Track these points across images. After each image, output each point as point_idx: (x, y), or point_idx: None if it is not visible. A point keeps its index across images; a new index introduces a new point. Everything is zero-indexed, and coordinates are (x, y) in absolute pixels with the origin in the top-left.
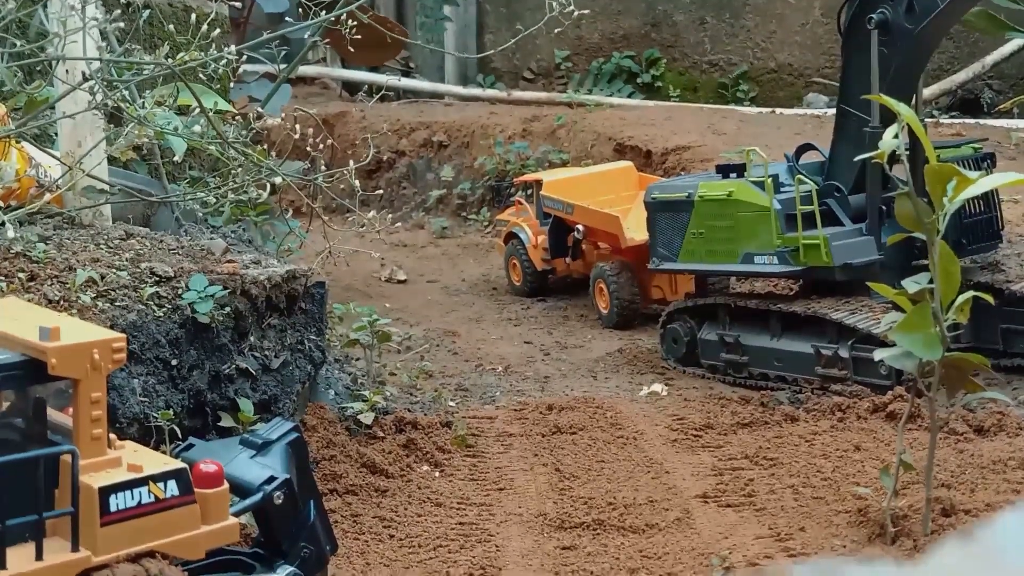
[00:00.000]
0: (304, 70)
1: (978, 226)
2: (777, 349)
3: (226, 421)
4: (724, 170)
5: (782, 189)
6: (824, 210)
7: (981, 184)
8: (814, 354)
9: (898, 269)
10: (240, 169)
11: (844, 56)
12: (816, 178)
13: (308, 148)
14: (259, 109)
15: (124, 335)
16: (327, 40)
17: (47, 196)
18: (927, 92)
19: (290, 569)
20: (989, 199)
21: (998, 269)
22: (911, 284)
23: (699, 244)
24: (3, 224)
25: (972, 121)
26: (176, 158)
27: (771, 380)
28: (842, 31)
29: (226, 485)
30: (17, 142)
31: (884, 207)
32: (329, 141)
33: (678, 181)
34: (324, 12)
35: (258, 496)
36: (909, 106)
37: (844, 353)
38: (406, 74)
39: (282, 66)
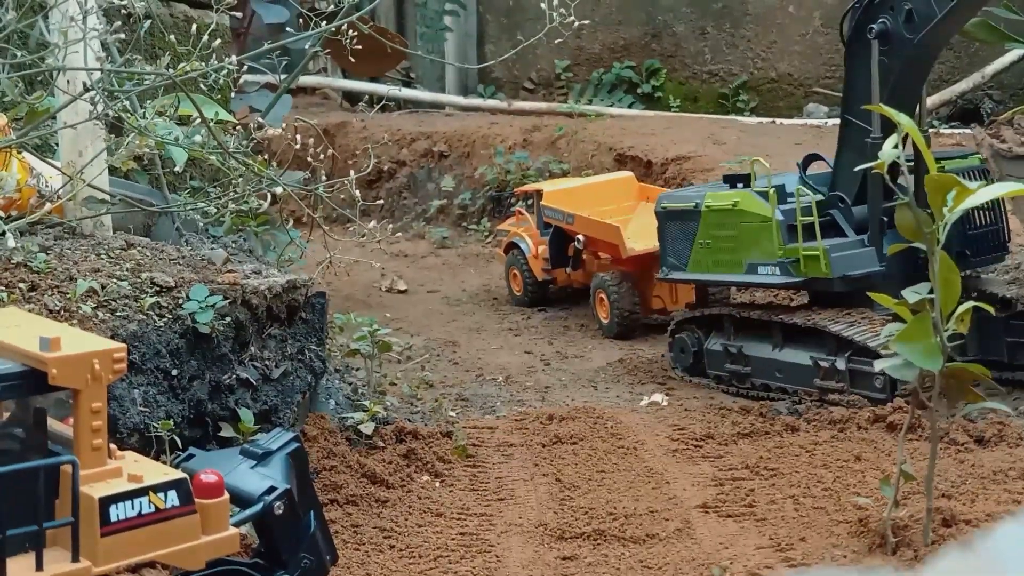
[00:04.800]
0: (304, 80)
1: (983, 237)
2: (778, 360)
3: (226, 431)
4: (731, 180)
5: (789, 200)
6: (828, 221)
7: (981, 194)
8: (812, 366)
9: (902, 280)
10: (241, 179)
11: (847, 65)
12: (824, 189)
13: (309, 158)
14: (260, 119)
15: (125, 345)
16: (327, 51)
17: (48, 206)
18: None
19: None
20: (995, 210)
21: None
22: (911, 294)
23: (706, 254)
24: (4, 234)
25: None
26: (177, 168)
27: (773, 391)
28: (844, 40)
29: (226, 495)
30: (18, 152)
31: (885, 218)
32: (330, 151)
33: (687, 191)
34: (325, 23)
35: (258, 506)
36: (912, 116)
37: (841, 365)
38: (407, 84)
39: (283, 76)
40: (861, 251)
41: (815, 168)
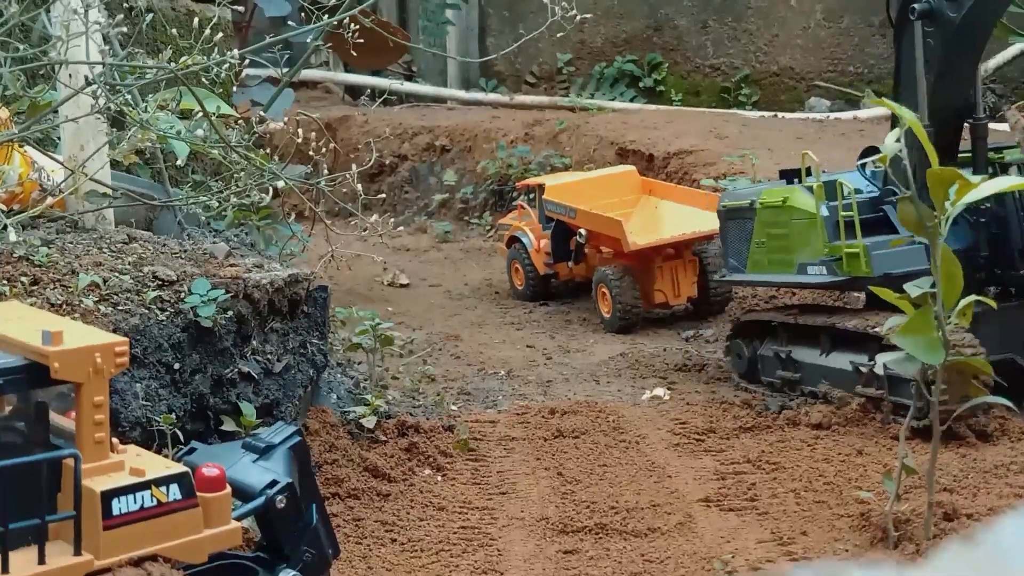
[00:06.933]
0: (306, 74)
1: None
2: (824, 366)
3: (228, 425)
4: (787, 175)
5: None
6: (881, 217)
7: (984, 187)
8: (854, 372)
9: None
10: (243, 173)
11: (895, 49)
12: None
13: (310, 152)
14: (262, 113)
15: (126, 339)
16: (329, 44)
17: (50, 200)
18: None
19: (292, 573)
20: None
21: None
22: (913, 288)
23: (763, 254)
24: (6, 228)
25: None
26: (179, 162)
27: (820, 399)
28: (892, 23)
29: (228, 489)
30: (20, 146)
31: None
32: (331, 145)
33: (747, 188)
34: (326, 16)
35: (260, 500)
36: (966, 102)
37: (880, 370)
38: (408, 78)
39: (284, 70)
40: (908, 249)
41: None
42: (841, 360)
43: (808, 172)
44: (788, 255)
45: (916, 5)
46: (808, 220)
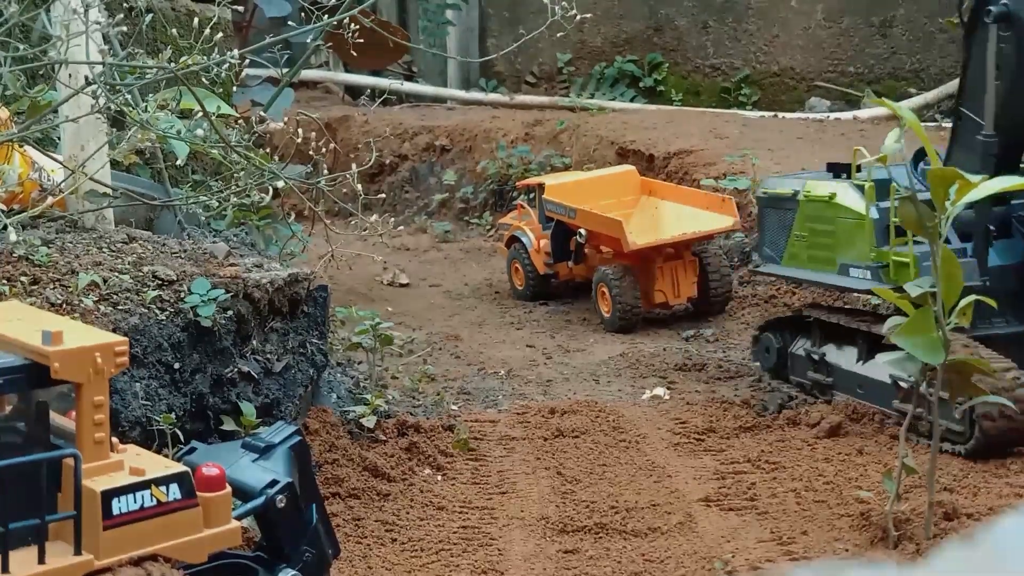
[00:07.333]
0: (306, 74)
1: None
2: (860, 374)
3: (228, 425)
4: (835, 169)
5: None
6: None
7: (984, 187)
8: (892, 385)
9: (1006, 296)
10: (242, 173)
11: (965, 53)
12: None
13: (310, 152)
14: (262, 113)
15: (126, 339)
16: (329, 44)
17: (50, 200)
18: (929, 96)
19: (292, 572)
20: None
21: None
22: (913, 287)
23: (801, 248)
24: (6, 228)
25: None
26: (179, 162)
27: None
28: (963, 23)
29: (228, 489)
30: (20, 146)
31: (992, 227)
32: (331, 145)
33: (791, 177)
34: (326, 16)
35: (260, 500)
36: None
37: (923, 388)
38: (408, 78)
39: (284, 70)
40: (961, 262)
41: None
42: (879, 371)
43: (859, 169)
44: (830, 253)
45: (993, 7)
46: (856, 221)
